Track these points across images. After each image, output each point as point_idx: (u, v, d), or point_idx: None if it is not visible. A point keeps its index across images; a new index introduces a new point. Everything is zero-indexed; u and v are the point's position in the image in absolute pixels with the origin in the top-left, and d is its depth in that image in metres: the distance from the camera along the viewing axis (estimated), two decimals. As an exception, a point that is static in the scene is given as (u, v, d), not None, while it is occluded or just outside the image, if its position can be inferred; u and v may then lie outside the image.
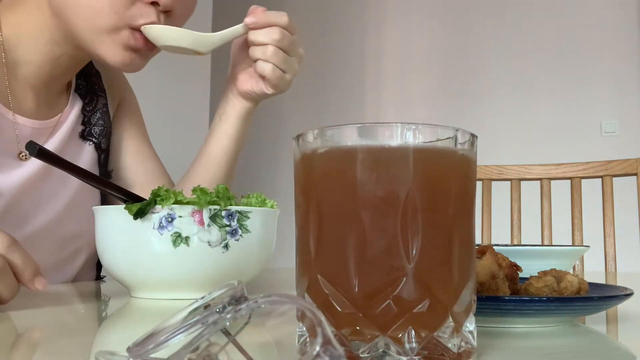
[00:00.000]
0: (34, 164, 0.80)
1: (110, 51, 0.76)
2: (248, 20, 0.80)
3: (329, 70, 3.78)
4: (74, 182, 0.85)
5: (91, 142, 0.90)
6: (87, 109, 0.90)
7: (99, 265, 0.94)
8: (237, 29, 0.81)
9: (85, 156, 0.89)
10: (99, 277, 0.96)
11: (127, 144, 0.96)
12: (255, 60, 0.81)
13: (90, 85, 0.92)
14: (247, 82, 0.85)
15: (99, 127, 0.91)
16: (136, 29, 0.75)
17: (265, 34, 0.80)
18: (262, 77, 0.83)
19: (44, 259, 0.83)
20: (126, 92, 1.00)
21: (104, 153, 0.92)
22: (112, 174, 0.94)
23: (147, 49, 0.78)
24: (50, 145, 0.82)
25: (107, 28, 0.74)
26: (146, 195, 0.62)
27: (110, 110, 0.94)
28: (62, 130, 0.85)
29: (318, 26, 3.81)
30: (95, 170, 0.90)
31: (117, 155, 0.95)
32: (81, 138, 0.89)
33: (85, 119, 0.89)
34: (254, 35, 0.80)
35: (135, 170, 0.95)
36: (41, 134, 0.82)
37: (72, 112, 0.88)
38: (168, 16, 0.77)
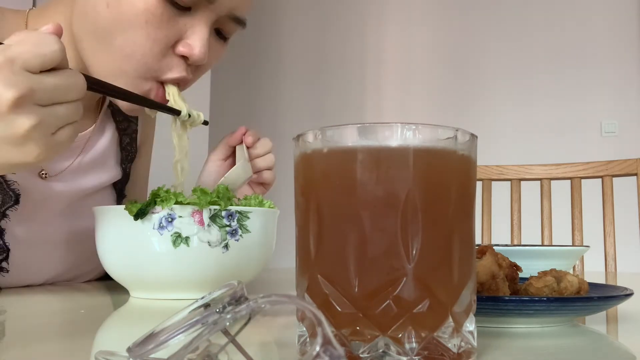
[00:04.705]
0: (58, 182, 0.78)
1: None
2: (249, 140, 0.84)
3: (328, 70, 3.78)
4: (98, 197, 0.84)
5: (123, 166, 0.90)
6: (120, 127, 0.89)
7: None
8: (243, 146, 0.85)
9: (115, 176, 0.88)
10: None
11: (135, 185, 0.96)
12: (260, 171, 0.86)
13: None
14: (247, 192, 0.87)
15: (126, 152, 0.90)
16: (162, 84, 0.70)
17: (262, 145, 0.86)
18: (264, 183, 0.88)
19: (61, 268, 0.83)
20: (151, 133, 0.99)
21: (126, 177, 0.92)
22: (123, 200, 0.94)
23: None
24: (79, 162, 0.81)
25: (132, 75, 0.68)
26: None
27: (138, 139, 0.94)
28: (96, 149, 0.83)
29: (318, 26, 3.81)
30: (112, 192, 0.90)
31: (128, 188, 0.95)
32: (117, 163, 0.88)
33: (119, 139, 0.89)
34: (257, 150, 0.85)
35: None
36: (69, 150, 0.79)
37: (106, 130, 0.86)
38: (196, 69, 0.73)
